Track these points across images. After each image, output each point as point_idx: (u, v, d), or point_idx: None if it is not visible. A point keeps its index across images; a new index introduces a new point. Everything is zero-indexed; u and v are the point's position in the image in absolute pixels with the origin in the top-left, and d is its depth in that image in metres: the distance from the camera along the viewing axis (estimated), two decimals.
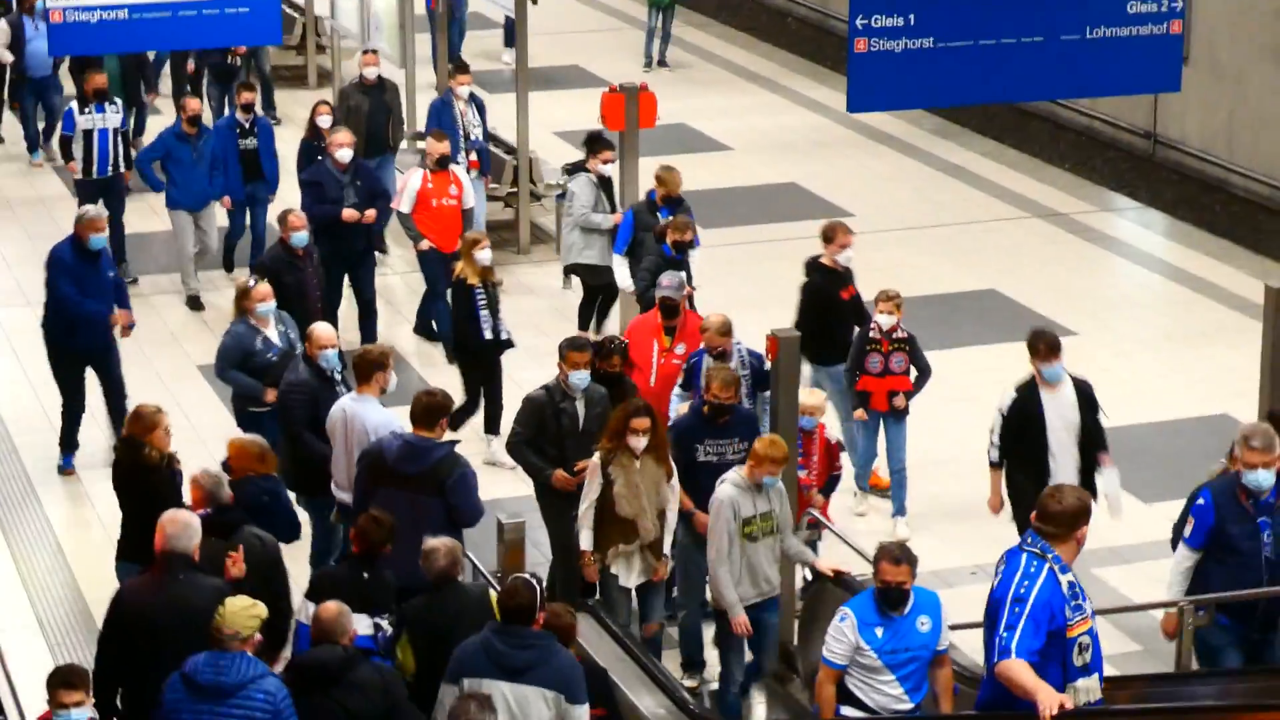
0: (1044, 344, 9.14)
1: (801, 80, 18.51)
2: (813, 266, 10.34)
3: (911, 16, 10.00)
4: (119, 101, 13.20)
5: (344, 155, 11.73)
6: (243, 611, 6.09)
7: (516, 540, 7.53)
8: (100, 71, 13.38)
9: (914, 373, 9.52)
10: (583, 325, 11.76)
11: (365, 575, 7.02)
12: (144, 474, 7.71)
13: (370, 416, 7.98)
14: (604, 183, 11.44)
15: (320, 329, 8.76)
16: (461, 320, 10.50)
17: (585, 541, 8.34)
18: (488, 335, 10.43)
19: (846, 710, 7.09)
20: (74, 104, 13.11)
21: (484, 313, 10.50)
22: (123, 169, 13.00)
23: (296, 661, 6.52)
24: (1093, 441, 9.25)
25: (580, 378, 8.56)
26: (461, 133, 12.76)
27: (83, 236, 10.03)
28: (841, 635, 7.03)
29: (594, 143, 11.55)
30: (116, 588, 6.94)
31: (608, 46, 18.74)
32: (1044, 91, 10.62)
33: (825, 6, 20.15)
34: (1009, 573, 5.83)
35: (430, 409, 7.76)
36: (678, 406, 9.23)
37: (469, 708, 5.95)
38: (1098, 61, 10.13)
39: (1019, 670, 5.57)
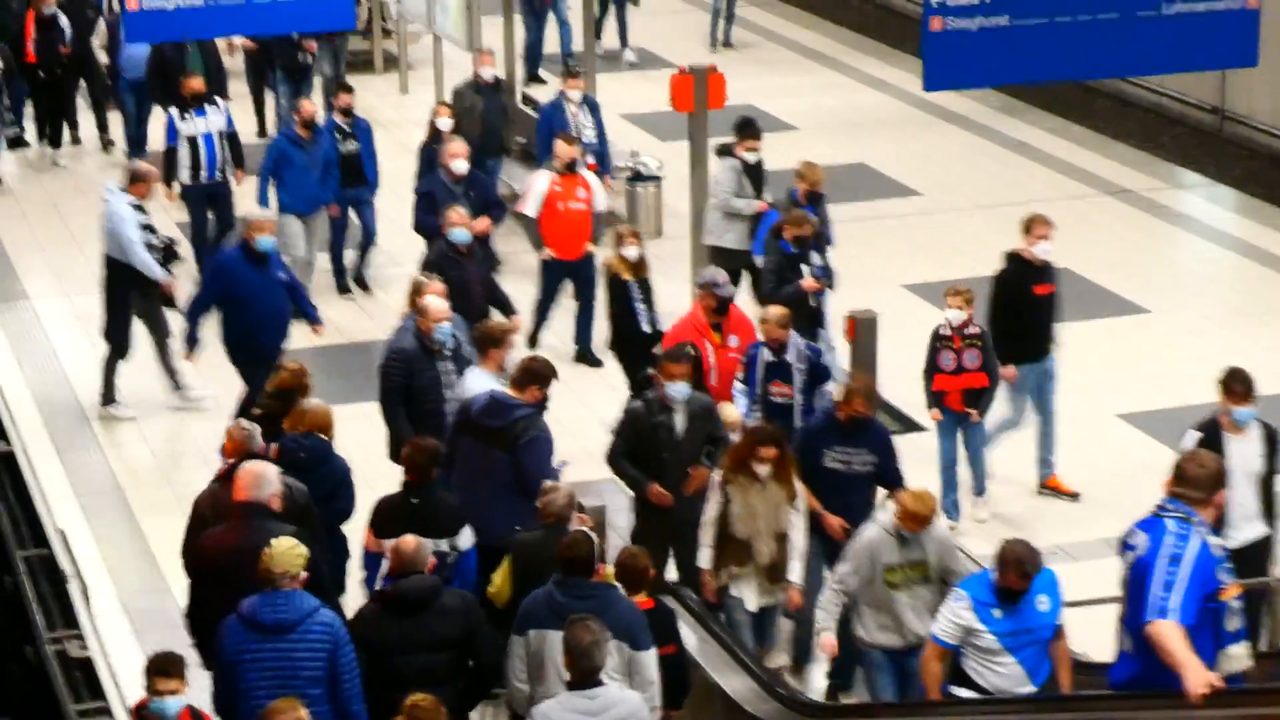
0: (1240, 384, 8.57)
1: (866, 59, 18.54)
2: (1010, 257, 10.11)
3: None
4: (220, 102, 12.89)
5: (459, 167, 11.44)
6: (289, 551, 6.39)
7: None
8: (195, 74, 13.19)
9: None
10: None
11: (414, 501, 7.36)
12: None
13: (471, 384, 8.15)
14: (750, 169, 11.37)
15: (433, 302, 8.76)
16: (618, 315, 10.56)
17: (704, 560, 8.25)
18: (645, 327, 10.48)
19: (958, 690, 6.95)
20: (173, 111, 12.73)
21: (640, 305, 10.55)
22: (229, 175, 12.66)
23: (387, 592, 6.84)
24: (1270, 493, 8.81)
25: (678, 389, 8.44)
26: (575, 133, 12.64)
27: (250, 239, 9.99)
28: (956, 616, 6.87)
29: (743, 129, 11.50)
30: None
31: (673, 28, 18.78)
32: (1120, 69, 10.62)
33: None
34: (1156, 537, 5.74)
35: (526, 370, 7.92)
36: (741, 402, 9.16)
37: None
38: (1174, 38, 10.09)
39: (1172, 635, 5.44)
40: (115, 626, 8.25)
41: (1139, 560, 5.72)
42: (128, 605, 8.79)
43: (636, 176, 13.16)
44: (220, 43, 14.68)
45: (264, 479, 6.99)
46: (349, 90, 13.05)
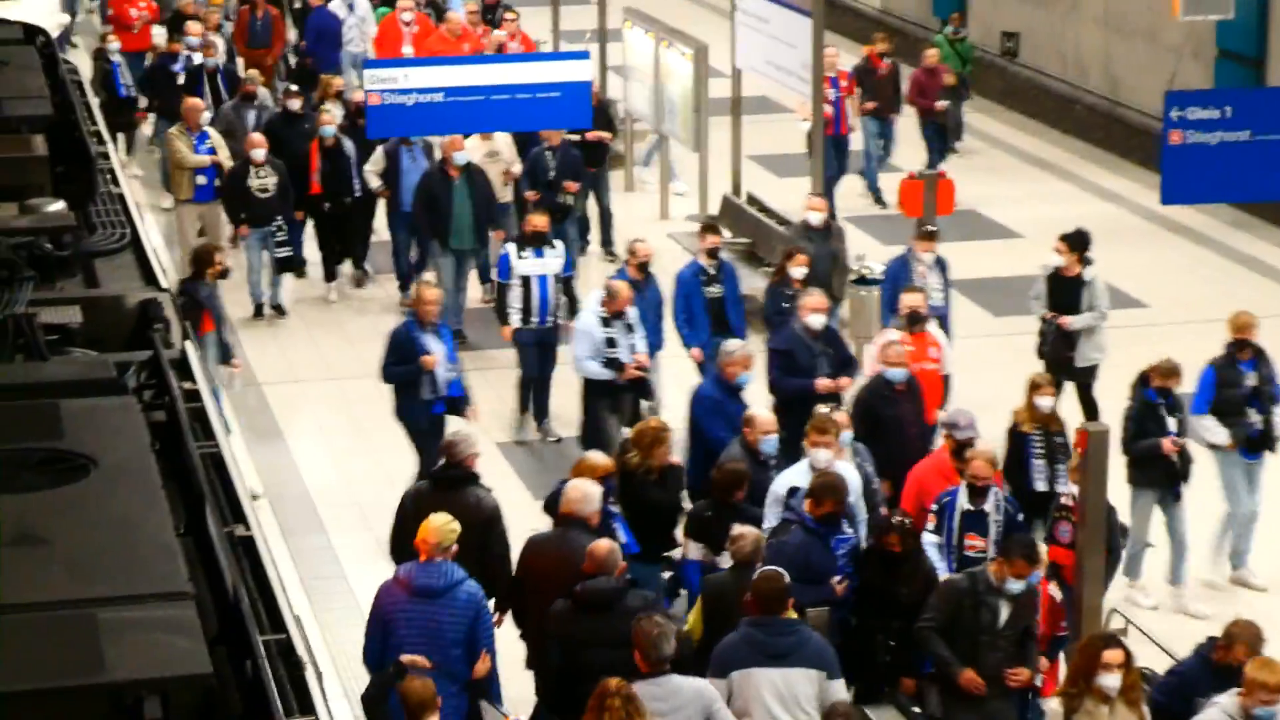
0: None
1: (1091, 168, 18.73)
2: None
3: (1228, 109, 10.13)
4: (559, 244, 12.38)
5: (816, 321, 10.91)
6: (444, 526, 7.33)
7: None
8: (542, 211, 12.92)
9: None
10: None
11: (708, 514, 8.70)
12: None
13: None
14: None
15: (760, 414, 9.18)
16: (1010, 467, 10.03)
17: None
18: (1039, 486, 9.96)
19: None
20: (510, 246, 12.37)
21: (1037, 462, 10.09)
22: (562, 320, 11.99)
23: (577, 591, 7.54)
24: None
25: (1014, 584, 7.93)
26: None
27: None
28: None
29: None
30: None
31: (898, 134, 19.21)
32: None
33: (1115, 94, 20.41)
34: None
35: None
36: (933, 553, 8.87)
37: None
38: None
39: None
40: (343, 712, 8.91)
41: None
42: (350, 691, 9.25)
43: (861, 280, 13.30)
44: (493, 174, 14.35)
45: (588, 498, 8.02)
46: (715, 231, 12.59)
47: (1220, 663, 7.54)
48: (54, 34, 9.85)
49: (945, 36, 20.60)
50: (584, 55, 14.51)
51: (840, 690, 7.31)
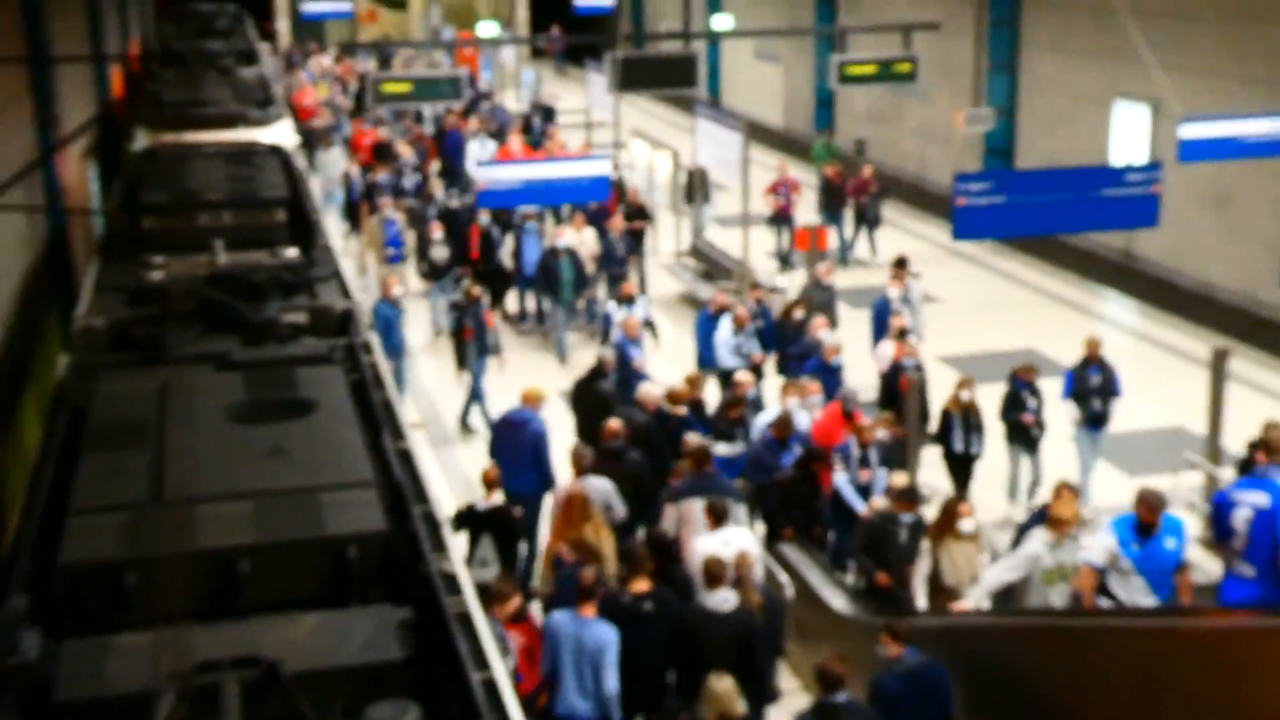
0: None
1: (911, 220, 23.30)
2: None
3: (991, 183, 12.18)
4: (641, 298, 14.95)
5: (826, 337, 13.73)
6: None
7: None
8: (626, 280, 16.21)
9: None
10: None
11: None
12: None
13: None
14: None
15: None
16: (942, 434, 12.46)
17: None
18: (958, 448, 12.15)
19: (1102, 601, 7.77)
20: (611, 304, 15.07)
21: (957, 433, 12.09)
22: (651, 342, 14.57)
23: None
24: None
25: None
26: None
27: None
28: (1105, 547, 7.78)
29: None
30: None
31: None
32: (1074, 227, 13.25)
33: (924, 174, 24.93)
34: (1273, 486, 6.36)
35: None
36: (845, 491, 10.79)
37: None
38: (1112, 209, 12.36)
39: None
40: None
41: (1268, 511, 6.26)
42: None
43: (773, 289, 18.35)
44: (583, 255, 17.27)
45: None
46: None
47: (1050, 514, 8.68)
48: (290, 148, 10.67)
49: (822, 142, 25.36)
50: (605, 158, 17.79)
51: (742, 514, 9.31)
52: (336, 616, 3.34)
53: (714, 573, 8.33)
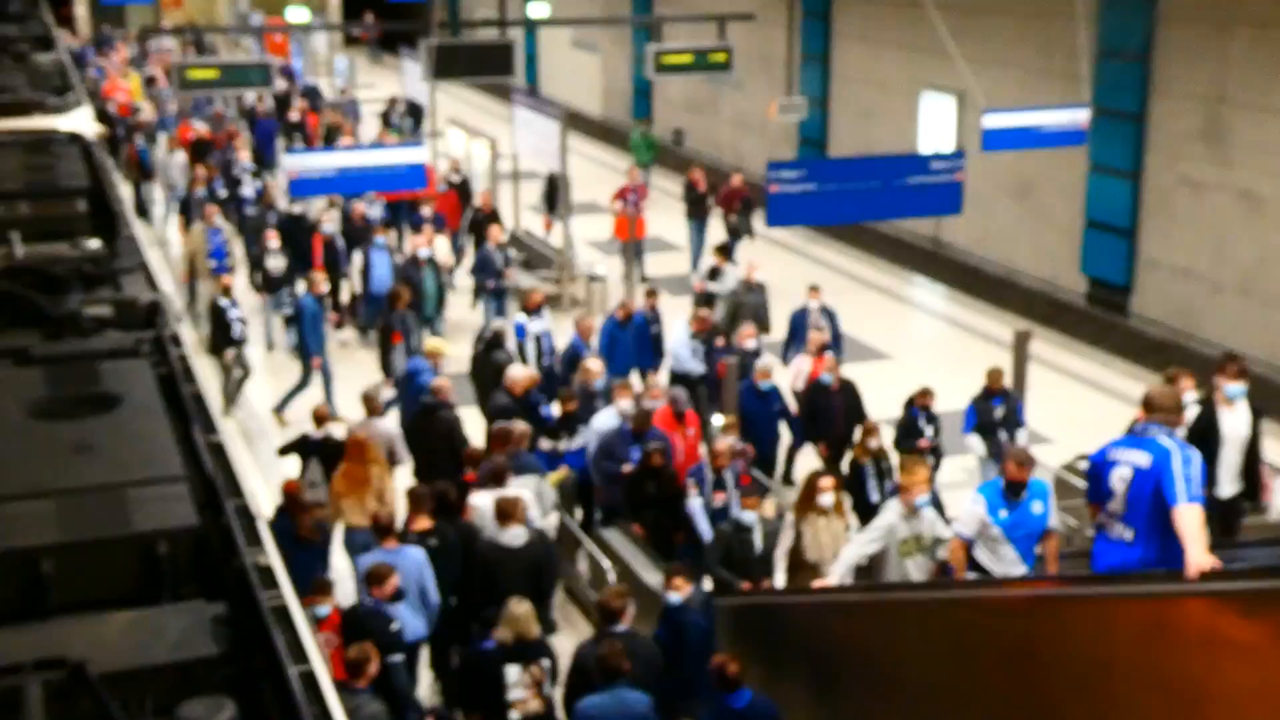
0: (1232, 364, 9.18)
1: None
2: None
3: (804, 171, 13.06)
4: (546, 312, 14.38)
5: (751, 343, 13.24)
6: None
7: None
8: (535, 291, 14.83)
9: None
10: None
11: None
12: None
13: None
14: None
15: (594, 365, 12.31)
16: (851, 485, 11.47)
17: (780, 584, 9.19)
18: (874, 498, 11.18)
19: (971, 573, 7.65)
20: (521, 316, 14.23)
21: (871, 481, 11.37)
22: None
23: None
24: (1253, 456, 9.48)
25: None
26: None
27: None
28: (975, 515, 7.62)
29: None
30: None
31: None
32: (880, 215, 14.38)
33: (740, 163, 24.79)
34: (1158, 448, 6.01)
35: None
36: (697, 516, 10.49)
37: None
38: (914, 197, 13.29)
39: (1199, 516, 5.66)
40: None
41: (1149, 470, 5.97)
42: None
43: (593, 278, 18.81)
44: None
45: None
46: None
47: (900, 483, 8.58)
48: (90, 136, 9.68)
49: (639, 132, 25.55)
50: (420, 144, 18.33)
51: (547, 491, 10.06)
52: (147, 615, 3.22)
53: (507, 511, 9.18)
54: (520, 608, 8.42)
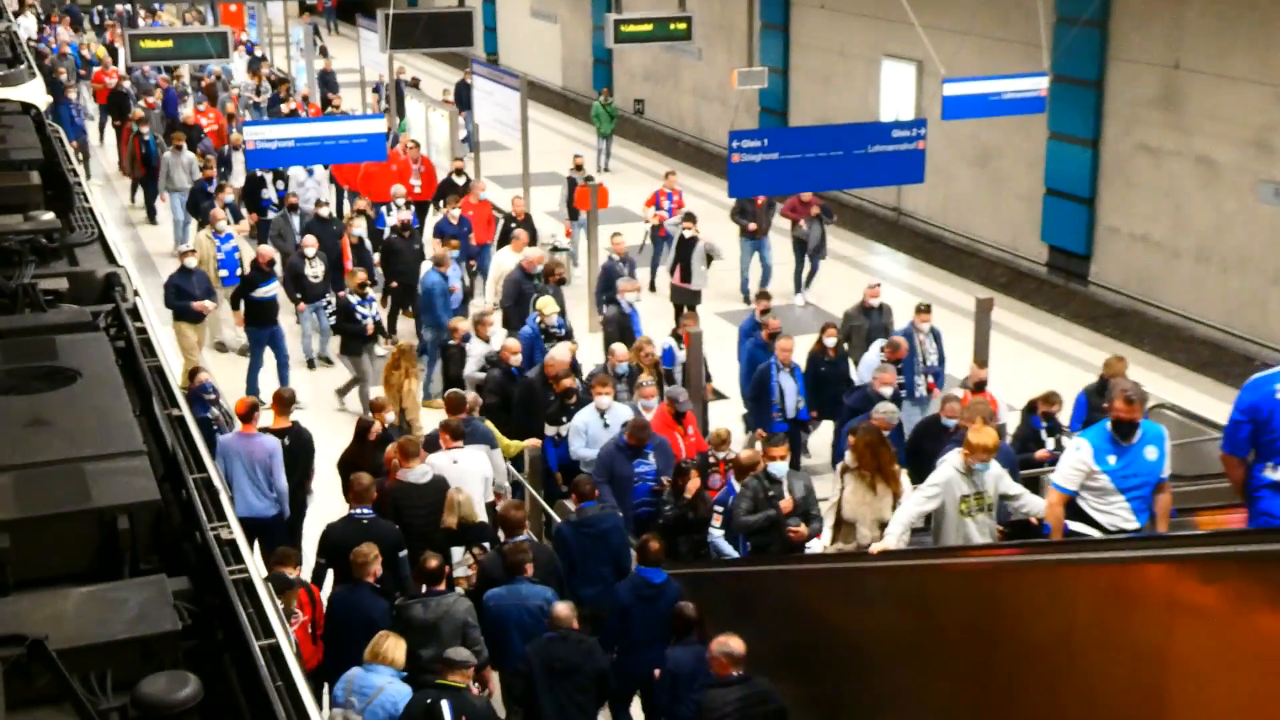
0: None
1: (689, 177, 23.44)
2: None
3: (765, 141, 12.67)
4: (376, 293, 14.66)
5: (887, 389, 11.40)
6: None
7: None
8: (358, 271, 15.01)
9: None
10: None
11: None
12: None
13: None
14: None
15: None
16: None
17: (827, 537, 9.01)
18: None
19: (1075, 526, 6.83)
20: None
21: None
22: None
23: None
24: None
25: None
26: (921, 359, 12.83)
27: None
28: (1079, 463, 6.75)
29: None
30: None
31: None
32: (843, 183, 13.35)
33: (701, 134, 25.67)
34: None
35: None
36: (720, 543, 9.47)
37: None
38: (876, 165, 13.13)
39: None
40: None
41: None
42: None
43: (555, 249, 17.54)
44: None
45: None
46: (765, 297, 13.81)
47: (967, 440, 7.83)
48: (42, 107, 9.84)
49: (600, 102, 24.89)
50: (380, 116, 17.99)
51: (500, 459, 9.99)
52: (108, 589, 3.17)
53: (409, 450, 9.71)
54: (461, 495, 9.25)
